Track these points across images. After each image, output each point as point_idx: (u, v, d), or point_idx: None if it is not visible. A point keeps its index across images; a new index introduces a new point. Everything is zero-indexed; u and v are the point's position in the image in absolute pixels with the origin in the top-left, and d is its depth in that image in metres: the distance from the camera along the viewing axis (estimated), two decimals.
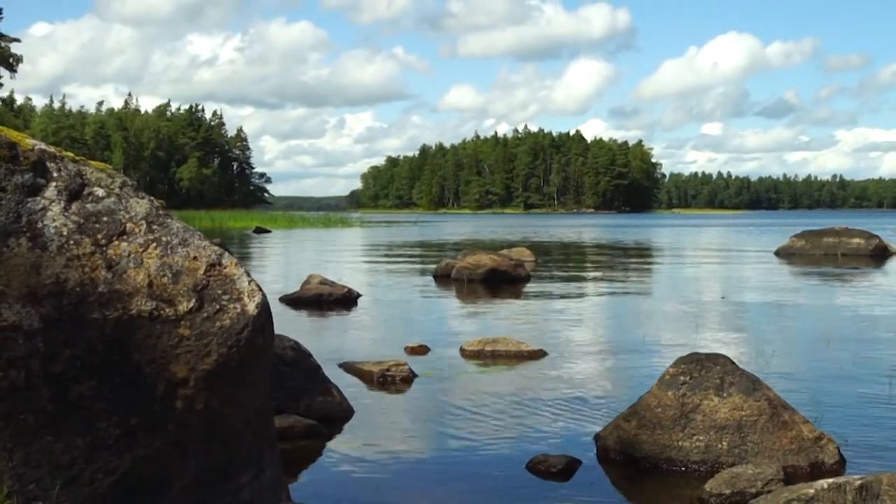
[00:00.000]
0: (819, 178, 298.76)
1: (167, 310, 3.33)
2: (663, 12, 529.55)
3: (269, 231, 52.27)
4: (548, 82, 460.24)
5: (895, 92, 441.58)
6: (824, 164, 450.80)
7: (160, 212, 3.57)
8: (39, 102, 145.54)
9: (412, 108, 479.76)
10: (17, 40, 45.85)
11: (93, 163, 3.61)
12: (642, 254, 30.91)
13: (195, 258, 3.49)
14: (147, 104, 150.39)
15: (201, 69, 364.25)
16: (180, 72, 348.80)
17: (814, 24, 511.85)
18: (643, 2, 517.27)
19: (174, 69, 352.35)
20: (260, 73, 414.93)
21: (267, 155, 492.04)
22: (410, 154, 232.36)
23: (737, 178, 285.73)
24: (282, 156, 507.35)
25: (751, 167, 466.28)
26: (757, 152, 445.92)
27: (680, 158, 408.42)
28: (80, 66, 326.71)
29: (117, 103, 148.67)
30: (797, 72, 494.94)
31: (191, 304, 3.38)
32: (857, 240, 26.09)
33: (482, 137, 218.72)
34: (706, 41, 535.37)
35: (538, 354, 8.92)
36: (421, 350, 9.19)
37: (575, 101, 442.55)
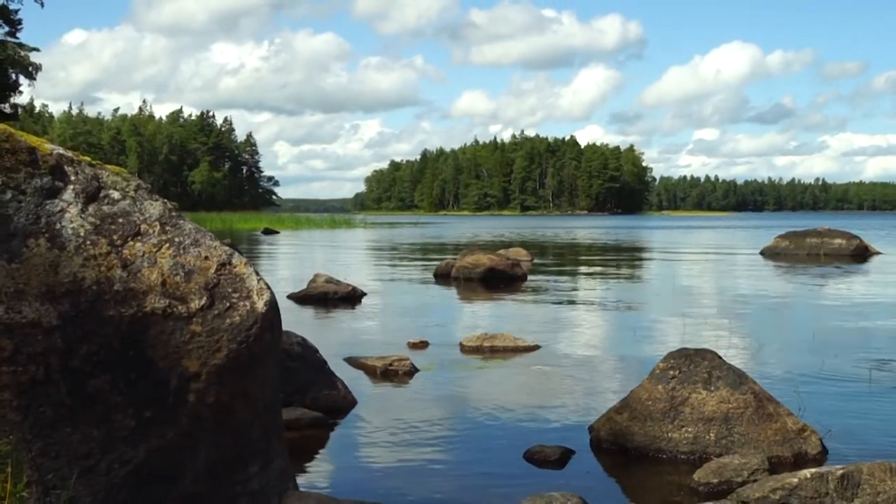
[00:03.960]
0: (802, 182, 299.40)
1: (180, 307, 3.33)
2: (673, 23, 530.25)
3: (277, 232, 52.27)
4: (556, 89, 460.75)
5: (887, 98, 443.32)
6: (811, 167, 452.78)
7: (173, 213, 3.56)
8: (63, 109, 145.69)
9: (424, 114, 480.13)
10: (37, 49, 45.86)
11: (109, 167, 3.61)
12: (633, 254, 30.92)
13: (206, 258, 3.49)
14: (171, 111, 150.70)
15: (226, 77, 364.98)
16: (206, 80, 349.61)
17: (815, 32, 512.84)
18: (654, 13, 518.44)
19: (200, 77, 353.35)
20: (282, 80, 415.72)
21: (280, 159, 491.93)
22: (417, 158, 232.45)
23: (724, 181, 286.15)
24: (295, 160, 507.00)
25: (742, 171, 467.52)
26: (749, 156, 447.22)
27: (676, 162, 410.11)
28: (111, 74, 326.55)
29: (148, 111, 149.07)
30: (796, 79, 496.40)
31: (202, 302, 3.37)
32: (838, 240, 26.09)
33: (481, 142, 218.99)
34: (710, 50, 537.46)
35: (534, 350, 8.92)
36: (422, 345, 9.18)
37: (581, 107, 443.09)
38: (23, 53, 44.50)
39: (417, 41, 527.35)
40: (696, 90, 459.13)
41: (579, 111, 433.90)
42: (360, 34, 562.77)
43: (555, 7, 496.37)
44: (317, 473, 4.96)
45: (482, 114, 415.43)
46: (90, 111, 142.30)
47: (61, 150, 3.48)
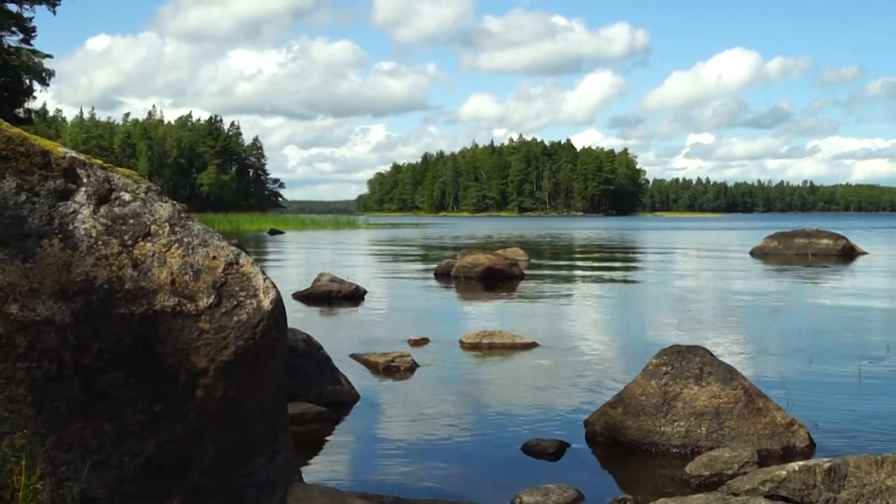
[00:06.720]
0: (791, 184, 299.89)
1: (188, 305, 3.33)
2: (678, 31, 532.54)
3: (282, 232, 52.26)
4: (563, 94, 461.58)
5: (881, 102, 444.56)
6: (801, 170, 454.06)
7: (182, 215, 3.56)
8: (76, 114, 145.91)
9: (432, 118, 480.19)
10: (50, 56, 45.85)
11: (120, 169, 3.61)
12: (628, 253, 30.90)
13: (214, 257, 3.49)
14: (193, 115, 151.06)
15: (243, 82, 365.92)
16: (223, 85, 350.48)
17: (815, 39, 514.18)
18: (661, 21, 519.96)
19: (217, 82, 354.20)
20: (296, 86, 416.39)
21: (290, 162, 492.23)
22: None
23: (715, 183, 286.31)
24: (304, 163, 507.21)
25: (735, 173, 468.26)
26: (743, 159, 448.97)
27: (671, 165, 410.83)
28: (132, 79, 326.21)
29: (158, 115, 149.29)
30: (794, 84, 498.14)
31: (210, 301, 3.37)
32: (826, 241, 26.09)
33: (480, 146, 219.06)
34: (713, 56, 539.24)
35: (531, 346, 8.92)
36: (423, 342, 9.18)
37: (585, 112, 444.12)
38: (36, 60, 44.51)
39: (431, 48, 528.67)
40: (696, 95, 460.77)
41: (583, 115, 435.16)
42: (377, 41, 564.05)
43: (565, 15, 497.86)
44: (321, 466, 4.96)
45: (489, 118, 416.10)
46: (112, 115, 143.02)
47: (74, 154, 3.48)
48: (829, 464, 3.91)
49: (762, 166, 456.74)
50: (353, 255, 28.84)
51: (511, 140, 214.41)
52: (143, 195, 3.52)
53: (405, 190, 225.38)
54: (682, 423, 5.24)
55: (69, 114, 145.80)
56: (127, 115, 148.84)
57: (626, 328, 10.54)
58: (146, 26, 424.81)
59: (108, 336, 3.17)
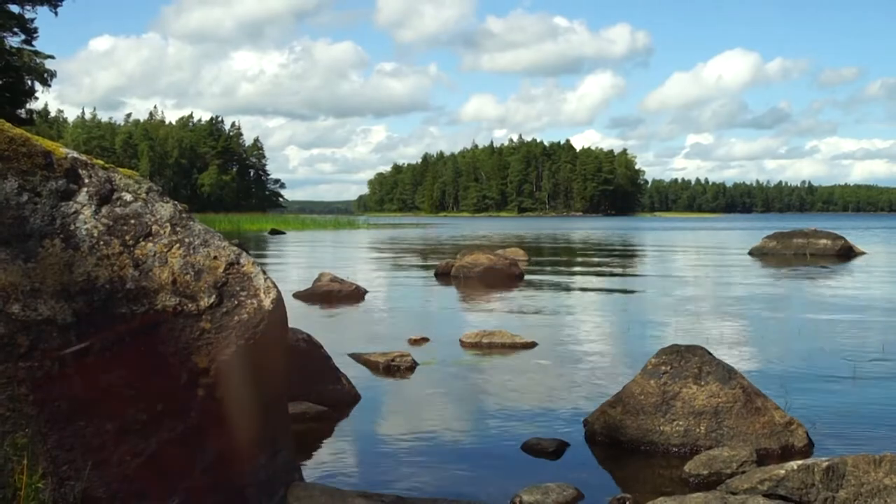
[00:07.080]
0: (790, 184, 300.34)
1: (190, 305, 3.33)
2: (679, 32, 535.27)
3: (283, 233, 52.25)
4: (563, 95, 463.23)
5: (879, 103, 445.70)
6: (800, 170, 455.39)
7: (183, 215, 3.56)
8: (77, 114, 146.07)
9: (433, 119, 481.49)
10: (52, 57, 45.94)
11: (121, 170, 3.61)
12: (627, 253, 30.89)
13: (215, 257, 3.49)
14: (194, 116, 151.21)
15: (245, 83, 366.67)
16: (225, 86, 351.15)
17: (815, 39, 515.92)
18: (662, 22, 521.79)
19: (219, 83, 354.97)
20: (298, 87, 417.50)
21: (291, 162, 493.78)
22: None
23: (714, 183, 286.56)
24: (305, 163, 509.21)
25: (734, 174, 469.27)
26: (742, 160, 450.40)
27: (671, 166, 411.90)
28: (135, 80, 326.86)
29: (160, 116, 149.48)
30: (794, 85, 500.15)
31: (211, 300, 3.37)
32: (824, 241, 26.09)
33: (480, 147, 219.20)
34: (713, 57, 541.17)
35: (531, 346, 8.92)
36: (423, 342, 9.18)
37: (586, 112, 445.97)
38: (38, 61, 44.56)
39: (433, 49, 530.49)
40: (696, 96, 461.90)
41: (583, 116, 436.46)
42: (379, 42, 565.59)
43: (567, 16, 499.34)
44: (321, 465, 4.95)
45: (490, 118, 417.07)
46: (114, 116, 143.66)
47: (76, 154, 3.48)
48: (827, 463, 3.91)
49: (761, 167, 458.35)
50: (353, 255, 28.84)
51: (511, 140, 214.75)
52: (144, 195, 3.52)
53: (405, 190, 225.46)
54: (680, 423, 5.24)
55: (71, 114, 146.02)
56: (128, 115, 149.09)
57: (625, 328, 10.54)
58: (149, 27, 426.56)
59: (109, 335, 3.17)
